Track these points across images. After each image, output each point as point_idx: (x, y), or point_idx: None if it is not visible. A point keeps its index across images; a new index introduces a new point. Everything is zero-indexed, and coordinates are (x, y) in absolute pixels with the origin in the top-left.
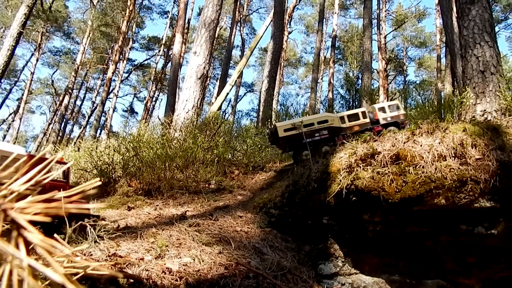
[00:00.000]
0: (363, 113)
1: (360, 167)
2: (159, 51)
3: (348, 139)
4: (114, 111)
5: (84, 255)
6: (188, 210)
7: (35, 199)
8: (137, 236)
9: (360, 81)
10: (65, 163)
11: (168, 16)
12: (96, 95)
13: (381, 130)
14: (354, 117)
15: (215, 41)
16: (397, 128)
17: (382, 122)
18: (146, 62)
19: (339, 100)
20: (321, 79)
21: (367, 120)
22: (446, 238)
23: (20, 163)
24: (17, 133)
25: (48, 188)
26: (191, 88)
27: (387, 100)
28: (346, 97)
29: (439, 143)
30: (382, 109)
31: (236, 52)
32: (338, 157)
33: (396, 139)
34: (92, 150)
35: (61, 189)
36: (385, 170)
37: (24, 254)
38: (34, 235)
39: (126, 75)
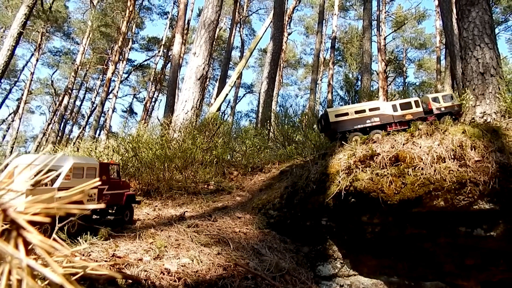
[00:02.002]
0: (416, 102)
1: (359, 168)
2: (159, 51)
3: (400, 127)
4: (113, 111)
5: (83, 255)
6: (187, 211)
7: (35, 199)
8: (136, 236)
9: (359, 82)
10: (117, 164)
11: (168, 17)
12: (96, 95)
13: (435, 119)
14: (407, 105)
15: (214, 42)
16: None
17: (435, 112)
18: (145, 62)
19: (338, 102)
20: (321, 80)
21: (420, 109)
22: (445, 240)
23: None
24: (17, 133)
25: (112, 185)
26: (190, 89)
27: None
28: (346, 98)
29: (438, 145)
30: (436, 99)
31: (235, 53)
32: (337, 158)
33: (395, 140)
34: (91, 151)
35: (119, 184)
36: (384, 171)
37: (23, 254)
38: (34, 235)
39: (125, 75)
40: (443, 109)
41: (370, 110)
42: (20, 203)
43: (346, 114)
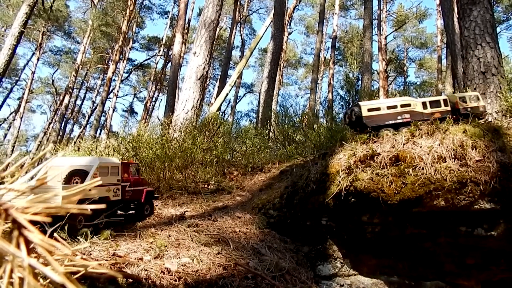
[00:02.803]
0: (445, 100)
1: (359, 168)
2: (159, 51)
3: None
4: (114, 111)
5: (84, 254)
6: (187, 211)
7: (36, 198)
8: (136, 236)
9: (360, 82)
10: (136, 163)
11: (168, 16)
12: (96, 94)
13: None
14: (436, 104)
15: (215, 42)
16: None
17: (462, 111)
18: (146, 62)
19: (338, 101)
20: (321, 80)
21: (448, 108)
22: (446, 239)
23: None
24: (18, 132)
25: (133, 182)
26: (190, 88)
27: None
28: (346, 98)
29: (439, 145)
30: (463, 99)
31: (236, 53)
32: (337, 158)
33: (395, 140)
34: (92, 150)
35: (139, 181)
36: (384, 171)
37: (25, 253)
38: (35, 235)
39: (126, 75)
40: (469, 109)
41: (402, 106)
42: (22, 202)
43: (378, 109)
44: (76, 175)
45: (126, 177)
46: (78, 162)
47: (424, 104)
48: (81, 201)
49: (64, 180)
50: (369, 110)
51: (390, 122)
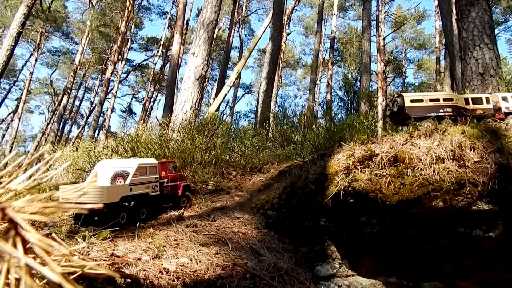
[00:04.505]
0: (487, 98)
1: (358, 169)
2: (158, 51)
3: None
4: (112, 111)
5: (82, 254)
6: (185, 211)
7: (35, 197)
8: (134, 236)
9: (358, 83)
10: (173, 161)
11: (166, 17)
12: (95, 95)
13: (503, 118)
14: (478, 101)
15: (213, 42)
16: None
17: (504, 110)
18: (144, 62)
19: (337, 102)
20: (320, 80)
21: (490, 106)
22: (444, 240)
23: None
24: (16, 132)
25: (171, 178)
26: (189, 89)
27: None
28: (345, 98)
29: (438, 146)
30: (505, 99)
31: (234, 53)
32: (336, 158)
33: (394, 141)
34: (90, 150)
35: (176, 177)
36: (383, 172)
37: (21, 253)
38: (32, 234)
39: (124, 75)
40: (511, 108)
41: (444, 100)
42: (19, 202)
43: (421, 100)
44: (119, 176)
45: (164, 174)
46: (121, 165)
47: (466, 100)
48: (123, 198)
49: (110, 180)
50: (412, 101)
51: (432, 114)
